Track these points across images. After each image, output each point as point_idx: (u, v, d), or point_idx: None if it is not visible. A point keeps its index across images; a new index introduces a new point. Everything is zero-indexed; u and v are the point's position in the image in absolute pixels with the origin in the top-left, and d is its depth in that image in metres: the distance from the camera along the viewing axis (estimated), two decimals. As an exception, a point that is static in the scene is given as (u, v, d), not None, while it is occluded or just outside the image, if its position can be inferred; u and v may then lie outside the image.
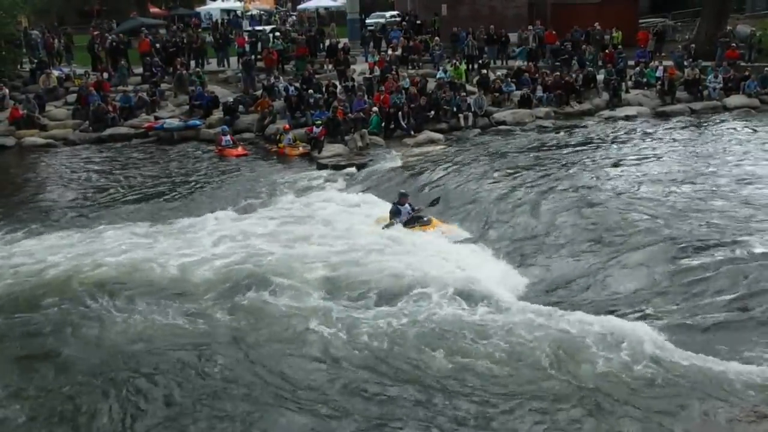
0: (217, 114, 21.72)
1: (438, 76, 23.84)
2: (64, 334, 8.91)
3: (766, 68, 23.71)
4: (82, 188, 16.33)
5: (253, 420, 7.14)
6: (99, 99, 21.70)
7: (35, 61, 25.72)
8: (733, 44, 25.85)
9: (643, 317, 8.82)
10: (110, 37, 27.25)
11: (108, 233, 12.58)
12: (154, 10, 43.03)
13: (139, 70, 25.81)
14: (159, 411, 7.31)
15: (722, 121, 20.99)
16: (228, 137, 19.48)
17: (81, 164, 18.54)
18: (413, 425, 6.98)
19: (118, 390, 7.63)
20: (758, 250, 10.20)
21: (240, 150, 19.22)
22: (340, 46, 26.95)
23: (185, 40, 27.40)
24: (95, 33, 28.63)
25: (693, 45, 26.18)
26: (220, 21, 39.43)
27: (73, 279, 10.37)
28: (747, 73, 23.53)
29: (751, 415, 6.66)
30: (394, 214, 12.42)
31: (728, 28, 28.13)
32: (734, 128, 19.94)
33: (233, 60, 27.59)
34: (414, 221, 12.30)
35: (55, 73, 24.72)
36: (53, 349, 8.60)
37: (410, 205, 12.62)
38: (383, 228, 12.31)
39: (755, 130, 19.55)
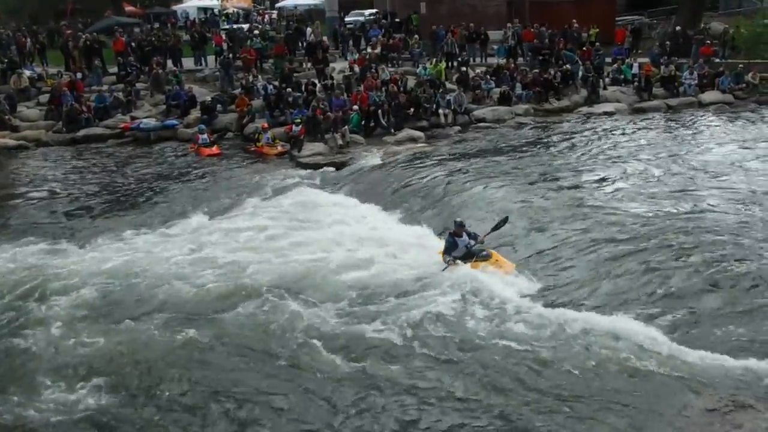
0: (195, 113, 21.49)
1: (418, 72, 23.81)
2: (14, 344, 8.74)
3: (739, 65, 24.02)
4: (54, 192, 15.96)
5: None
6: (72, 99, 21.34)
7: (5, 60, 25.23)
8: (708, 41, 26.14)
9: (630, 312, 8.87)
10: (84, 36, 26.84)
11: (76, 242, 12.36)
12: (129, 8, 42.41)
13: (114, 69, 25.45)
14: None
15: (698, 116, 21.26)
16: (205, 136, 19.30)
17: (54, 167, 18.21)
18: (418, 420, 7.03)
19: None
20: (739, 245, 10.32)
21: (214, 149, 19.03)
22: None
23: (161, 39, 27.06)
24: (68, 32, 28.19)
25: (668, 42, 26.41)
26: (197, 19, 39.02)
27: (33, 290, 10.19)
28: (721, 70, 23.86)
29: (729, 404, 6.74)
30: (450, 249, 10.54)
31: (702, 25, 28.45)
32: (710, 123, 20.18)
33: (210, 59, 27.31)
34: (472, 255, 10.45)
35: (27, 72, 24.28)
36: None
37: (469, 234, 10.68)
38: (443, 271, 10.36)
39: (730, 125, 19.80)
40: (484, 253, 10.48)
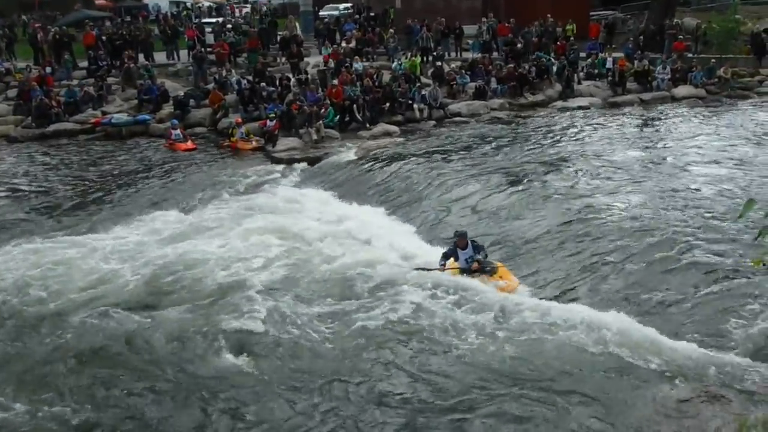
0: (168, 108, 21.23)
1: (393, 67, 23.73)
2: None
3: (712, 60, 24.29)
4: (23, 189, 15.56)
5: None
6: (42, 94, 20.94)
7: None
8: (680, 36, 26.40)
9: (604, 303, 8.96)
10: (53, 30, 26.35)
11: (47, 241, 11.92)
12: (99, 2, 41.83)
13: (85, 64, 25.04)
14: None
15: (671, 110, 21.46)
16: (178, 131, 19.08)
17: (21, 163, 17.79)
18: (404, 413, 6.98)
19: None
20: (711, 237, 10.43)
21: (189, 144, 18.82)
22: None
23: (132, 33, 26.67)
24: (37, 25, 27.68)
25: (641, 37, 26.64)
26: (168, 13, 38.52)
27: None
28: (693, 65, 24.13)
29: (701, 395, 6.76)
30: (447, 255, 9.92)
31: (675, 20, 28.73)
32: (683, 118, 20.36)
33: (183, 53, 26.98)
34: (475, 270, 9.75)
35: (-6, 67, 23.82)
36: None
37: (474, 246, 9.94)
38: (416, 270, 9.94)
39: (702, 119, 20.01)
40: (488, 268, 9.75)
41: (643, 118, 20.64)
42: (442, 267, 9.88)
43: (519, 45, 25.58)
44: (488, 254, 10.15)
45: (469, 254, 9.84)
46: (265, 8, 39.72)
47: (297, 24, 28.99)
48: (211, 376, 7.69)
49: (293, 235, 11.63)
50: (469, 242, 9.95)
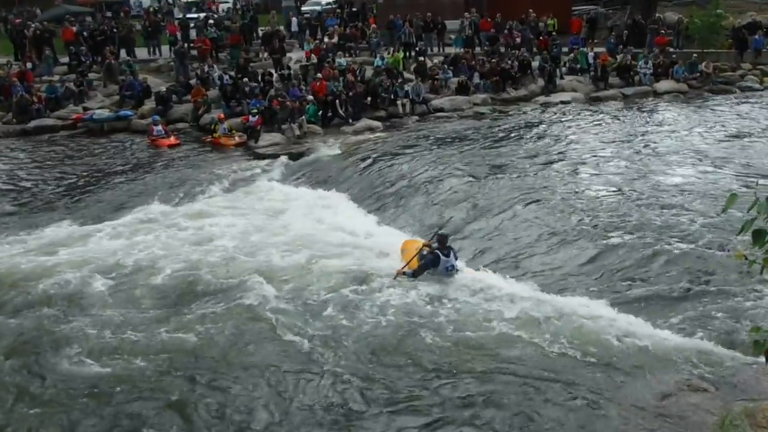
0: (149, 104, 21.06)
1: (375, 63, 23.67)
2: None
3: (694, 54, 24.45)
4: (3, 185, 15.39)
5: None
6: (23, 90, 20.69)
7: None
8: (662, 31, 26.54)
9: (585, 293, 9.03)
10: (34, 25, 26.03)
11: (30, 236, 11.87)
12: (80, -3, 41.33)
13: (66, 59, 24.75)
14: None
15: (653, 105, 21.62)
16: (160, 127, 18.92)
17: (3, 159, 17.58)
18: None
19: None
20: (690, 228, 10.53)
21: (173, 140, 18.69)
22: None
23: (114, 29, 26.40)
24: (18, 21, 27.32)
25: (625, 31, 26.77)
26: (150, 8, 38.11)
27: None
28: (675, 59, 24.27)
29: (684, 388, 6.81)
30: (429, 265, 9.20)
31: (657, 15, 28.90)
32: (664, 112, 20.51)
33: (165, 48, 26.74)
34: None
35: (-27, 63, 23.44)
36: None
37: (454, 251, 9.44)
38: (396, 278, 9.19)
39: (683, 114, 20.17)
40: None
41: (625, 112, 20.75)
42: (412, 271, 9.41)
43: (517, 40, 25.59)
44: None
45: (447, 263, 9.33)
46: (238, 4, 39.37)
47: (294, 20, 28.80)
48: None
49: (264, 232, 11.66)
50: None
